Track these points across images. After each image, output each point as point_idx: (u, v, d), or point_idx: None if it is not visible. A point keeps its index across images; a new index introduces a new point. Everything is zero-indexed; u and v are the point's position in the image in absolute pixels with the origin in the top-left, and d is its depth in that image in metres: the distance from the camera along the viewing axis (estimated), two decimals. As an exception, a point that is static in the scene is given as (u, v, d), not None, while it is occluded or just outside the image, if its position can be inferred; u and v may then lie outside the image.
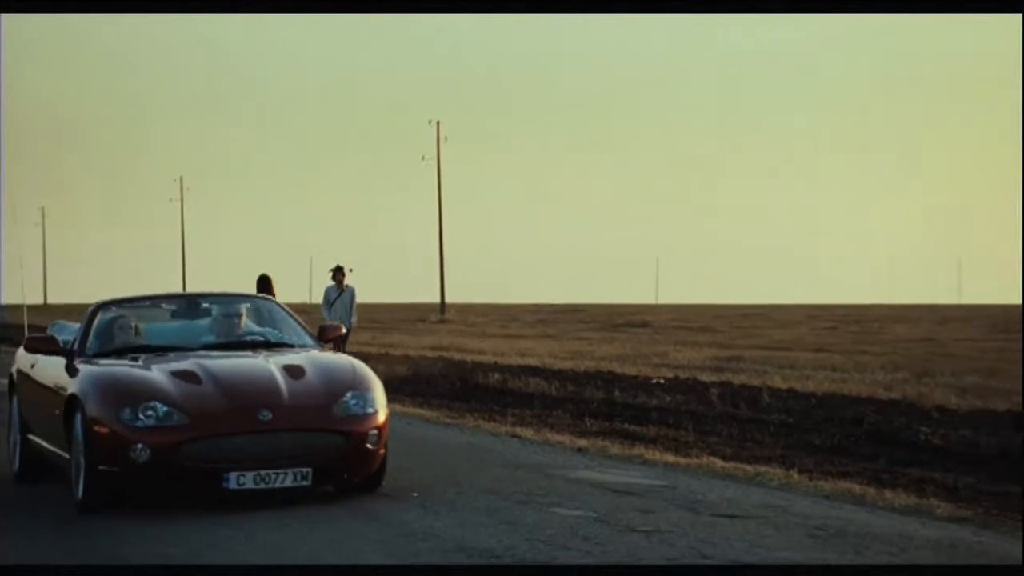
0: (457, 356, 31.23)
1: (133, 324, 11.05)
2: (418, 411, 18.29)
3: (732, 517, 9.22)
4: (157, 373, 9.88)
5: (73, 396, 9.93)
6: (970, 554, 8.09)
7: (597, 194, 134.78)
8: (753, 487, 10.79)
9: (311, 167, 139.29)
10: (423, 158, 77.49)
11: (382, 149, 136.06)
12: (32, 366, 11.52)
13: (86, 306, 11.43)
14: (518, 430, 15.42)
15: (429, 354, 32.56)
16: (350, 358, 10.66)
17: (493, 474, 11.42)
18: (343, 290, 21.90)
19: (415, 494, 10.21)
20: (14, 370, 12.18)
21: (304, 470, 9.49)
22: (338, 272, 22.09)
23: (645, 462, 12.39)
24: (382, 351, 32.19)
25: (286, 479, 9.44)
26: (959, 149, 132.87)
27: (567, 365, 27.42)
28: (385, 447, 10.02)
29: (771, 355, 31.91)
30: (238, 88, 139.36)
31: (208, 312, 11.31)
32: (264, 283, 22.36)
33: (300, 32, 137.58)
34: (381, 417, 9.89)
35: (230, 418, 9.53)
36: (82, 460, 9.69)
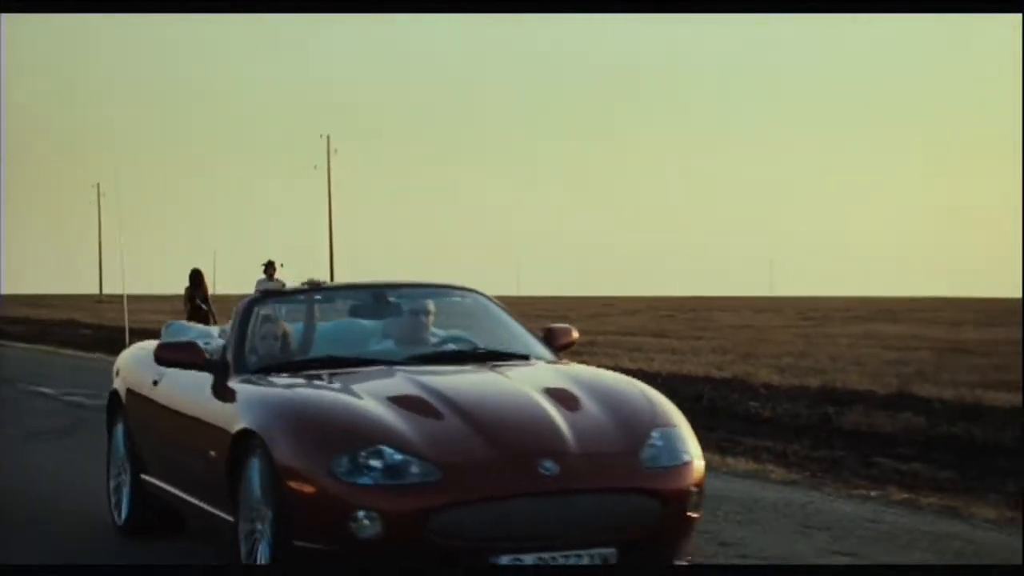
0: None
1: (303, 326, 6.98)
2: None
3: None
4: (371, 401, 5.76)
5: (246, 433, 5.81)
6: (911, 537, 7.46)
7: (467, 193, 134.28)
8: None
9: (228, 168, 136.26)
10: (315, 167, 76.97)
11: (289, 152, 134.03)
12: (155, 383, 7.25)
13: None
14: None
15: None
16: (628, 377, 6.49)
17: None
18: (273, 283, 20.86)
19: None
20: (120, 387, 7.88)
21: (606, 551, 5.50)
22: (269, 266, 21.25)
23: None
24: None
25: (581, 560, 5.49)
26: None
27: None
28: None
29: (620, 339, 32.26)
30: (149, 90, 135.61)
31: (398, 309, 7.01)
32: (196, 277, 21.50)
33: (226, 35, 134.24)
34: (700, 466, 5.88)
35: (499, 472, 5.46)
36: (264, 530, 5.71)
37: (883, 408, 14.33)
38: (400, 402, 5.74)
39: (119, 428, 7.85)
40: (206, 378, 6.52)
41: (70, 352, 29.35)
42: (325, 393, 5.95)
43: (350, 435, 5.50)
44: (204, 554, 7.03)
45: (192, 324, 8.13)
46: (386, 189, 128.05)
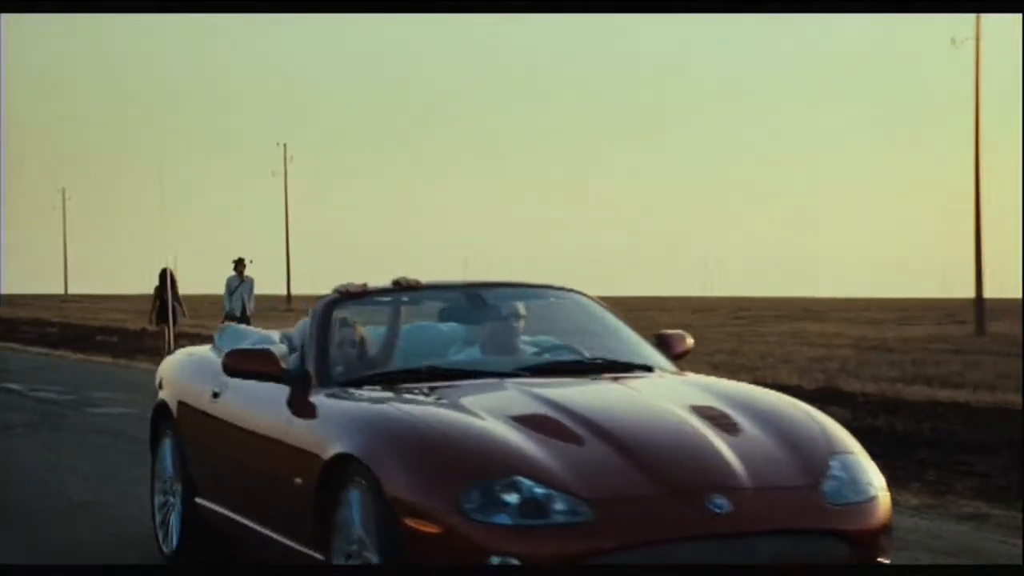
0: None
1: (386, 331, 5.82)
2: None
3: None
4: (494, 421, 4.68)
5: (344, 459, 4.70)
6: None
7: (418, 198, 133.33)
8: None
9: (203, 170, 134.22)
10: (272, 174, 76.49)
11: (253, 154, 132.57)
12: (215, 396, 6.04)
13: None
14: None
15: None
16: (779, 393, 5.46)
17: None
18: (243, 280, 21.00)
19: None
20: (169, 398, 6.62)
21: None
22: (239, 263, 21.03)
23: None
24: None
25: None
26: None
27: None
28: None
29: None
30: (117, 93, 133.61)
31: (496, 312, 5.83)
32: (166, 276, 20.90)
33: (195, 37, 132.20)
34: (887, 501, 4.80)
35: (663, 510, 4.40)
36: None
37: (811, 402, 14.30)
38: (528, 423, 4.61)
39: (166, 444, 6.55)
40: (281, 391, 5.36)
41: (37, 350, 28.96)
42: (440, 411, 4.77)
43: (480, 463, 4.36)
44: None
45: (249, 328, 6.92)
46: (342, 193, 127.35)
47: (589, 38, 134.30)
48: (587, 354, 5.69)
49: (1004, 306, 46.99)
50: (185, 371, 6.67)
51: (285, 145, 76.75)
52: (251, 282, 21.15)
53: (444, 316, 5.92)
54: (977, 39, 40.56)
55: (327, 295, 5.82)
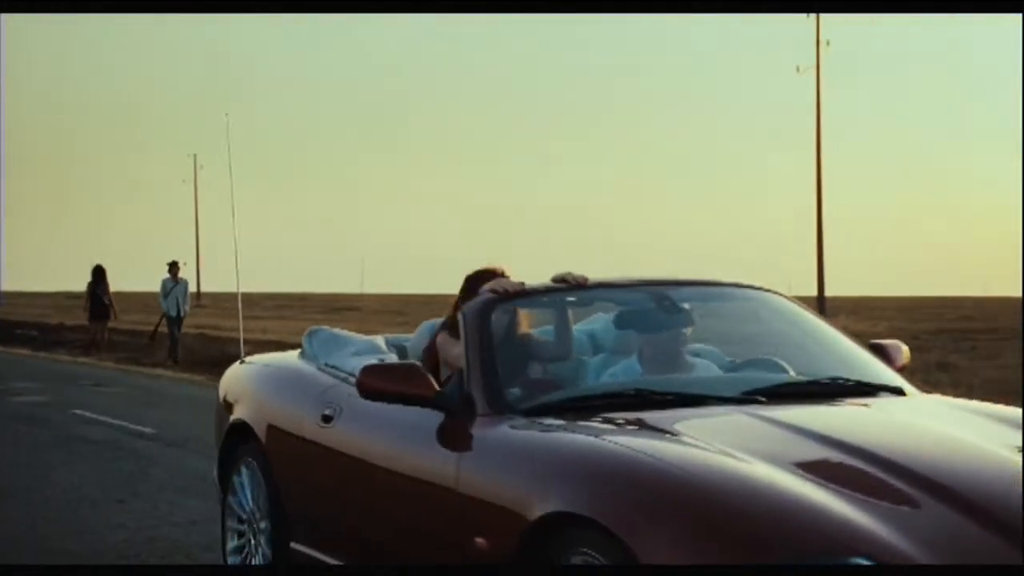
0: (213, 333, 30.23)
1: (559, 340, 4.36)
2: (186, 376, 17.56)
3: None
4: (781, 472, 3.10)
5: (568, 519, 3.11)
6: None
7: (319, 200, 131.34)
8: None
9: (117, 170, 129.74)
10: (183, 181, 75.02)
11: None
12: (325, 420, 4.43)
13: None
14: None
15: (191, 331, 31.38)
16: None
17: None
18: (177, 282, 20.23)
19: (194, 442, 9.66)
20: (251, 418, 4.90)
21: None
22: (173, 266, 20.30)
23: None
24: (152, 329, 30.82)
25: None
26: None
27: (300, 340, 26.78)
28: None
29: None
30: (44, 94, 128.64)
31: (687, 318, 4.32)
32: (99, 273, 20.70)
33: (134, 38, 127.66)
34: None
35: None
36: None
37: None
38: (826, 474, 3.09)
39: (245, 473, 4.86)
40: (430, 419, 3.83)
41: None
42: (701, 456, 3.16)
43: (801, 536, 2.83)
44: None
45: (343, 332, 5.16)
46: (253, 195, 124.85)
47: (520, 39, 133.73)
48: (793, 370, 4.22)
49: (842, 304, 48.28)
50: (274, 385, 4.96)
51: (195, 156, 75.26)
52: (185, 284, 20.58)
53: (623, 321, 4.35)
54: (818, 67, 42.01)
55: (479, 296, 4.17)
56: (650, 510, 2.97)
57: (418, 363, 4.04)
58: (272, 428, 4.75)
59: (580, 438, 3.39)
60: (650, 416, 3.57)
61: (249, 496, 4.87)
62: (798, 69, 42.44)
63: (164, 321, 20.70)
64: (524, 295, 4.24)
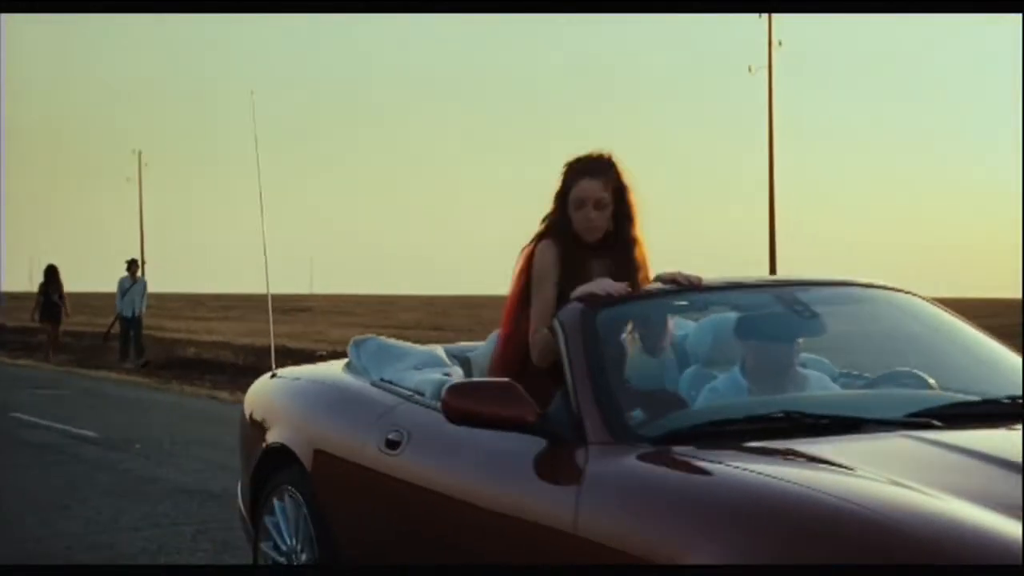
0: (158, 334, 29.80)
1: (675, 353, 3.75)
2: (130, 378, 17.30)
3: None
4: (1005, 519, 2.41)
5: None
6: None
7: (272, 201, 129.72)
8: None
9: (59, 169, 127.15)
10: (127, 179, 74.01)
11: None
12: (391, 445, 3.71)
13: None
14: (215, 392, 14.71)
15: (136, 332, 30.98)
16: None
17: (202, 429, 10.79)
18: (136, 281, 19.35)
19: (138, 445, 9.51)
20: (293, 441, 4.16)
21: None
22: (132, 265, 19.46)
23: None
24: (96, 330, 30.36)
25: None
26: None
27: (247, 341, 26.52)
28: None
29: (401, 333, 31.92)
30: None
31: (819, 325, 3.69)
32: (51, 273, 20.11)
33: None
34: None
35: None
36: None
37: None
38: None
39: (289, 505, 4.12)
40: (527, 446, 3.19)
41: None
42: (896, 495, 2.57)
43: None
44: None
45: (395, 342, 4.45)
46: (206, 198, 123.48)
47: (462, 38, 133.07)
48: (933, 382, 3.59)
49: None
50: (320, 404, 4.26)
51: (140, 152, 74.25)
52: (144, 283, 19.70)
53: (744, 330, 3.65)
54: (770, 67, 42.16)
55: (570, 303, 3.51)
56: (840, 563, 2.40)
57: (510, 382, 3.28)
58: (320, 454, 4.04)
59: (738, 473, 2.75)
60: (808, 444, 2.94)
61: (291, 531, 4.11)
62: (750, 69, 42.62)
63: (117, 322, 20.06)
64: (623, 299, 3.58)
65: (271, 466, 4.26)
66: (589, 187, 3.62)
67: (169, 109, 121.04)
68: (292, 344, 25.33)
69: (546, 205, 3.73)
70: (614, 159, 3.71)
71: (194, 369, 19.15)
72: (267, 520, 4.22)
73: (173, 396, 14.54)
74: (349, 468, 3.89)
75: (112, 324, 20.66)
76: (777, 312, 3.72)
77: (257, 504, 4.33)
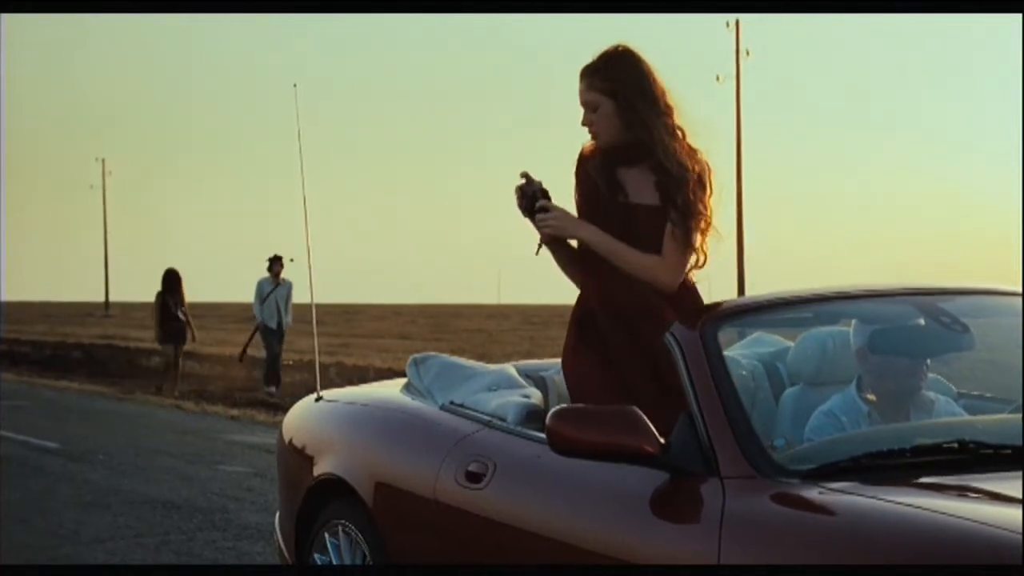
0: (122, 343, 29.64)
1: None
2: (94, 388, 17.17)
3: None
4: None
5: None
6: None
7: (232, 206, 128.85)
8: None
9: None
10: (91, 187, 73.47)
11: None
12: (474, 478, 3.26)
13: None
14: (180, 403, 14.62)
15: (99, 342, 30.78)
16: None
17: (166, 439, 10.72)
18: (279, 283, 15.02)
19: (101, 456, 9.42)
20: (348, 473, 3.68)
21: None
22: (275, 262, 14.97)
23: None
24: (58, 339, 30.18)
25: None
26: None
27: (215, 351, 26.36)
28: None
29: (370, 342, 31.85)
30: None
31: (965, 340, 3.21)
32: (172, 279, 15.50)
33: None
34: None
35: None
36: None
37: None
38: None
39: (343, 537, 3.69)
40: (642, 480, 2.82)
41: None
42: None
43: None
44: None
45: (460, 360, 3.98)
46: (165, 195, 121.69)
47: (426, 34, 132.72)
48: None
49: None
50: (379, 430, 3.81)
51: (104, 160, 73.77)
52: (289, 287, 15.17)
53: (879, 344, 3.19)
54: (737, 77, 42.50)
55: (690, 314, 3.15)
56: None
57: (629, 409, 2.83)
58: (383, 486, 3.58)
59: (926, 516, 2.39)
60: (986, 480, 2.59)
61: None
62: (718, 78, 42.85)
63: (258, 334, 15.63)
64: (744, 311, 3.27)
65: (320, 499, 3.81)
66: (579, 91, 3.40)
67: (133, 114, 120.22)
68: (258, 354, 25.20)
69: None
70: (616, 54, 3.37)
71: (159, 378, 18.93)
72: (317, 557, 3.79)
73: (136, 405, 14.44)
74: (419, 503, 3.43)
75: (251, 337, 16.11)
76: (919, 326, 3.24)
77: (302, 539, 3.89)
